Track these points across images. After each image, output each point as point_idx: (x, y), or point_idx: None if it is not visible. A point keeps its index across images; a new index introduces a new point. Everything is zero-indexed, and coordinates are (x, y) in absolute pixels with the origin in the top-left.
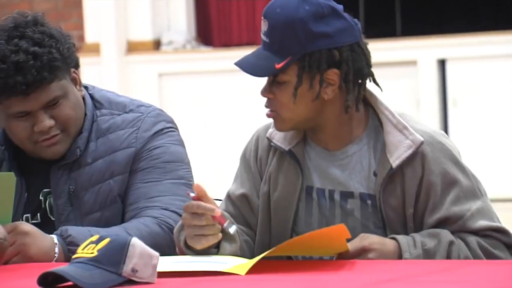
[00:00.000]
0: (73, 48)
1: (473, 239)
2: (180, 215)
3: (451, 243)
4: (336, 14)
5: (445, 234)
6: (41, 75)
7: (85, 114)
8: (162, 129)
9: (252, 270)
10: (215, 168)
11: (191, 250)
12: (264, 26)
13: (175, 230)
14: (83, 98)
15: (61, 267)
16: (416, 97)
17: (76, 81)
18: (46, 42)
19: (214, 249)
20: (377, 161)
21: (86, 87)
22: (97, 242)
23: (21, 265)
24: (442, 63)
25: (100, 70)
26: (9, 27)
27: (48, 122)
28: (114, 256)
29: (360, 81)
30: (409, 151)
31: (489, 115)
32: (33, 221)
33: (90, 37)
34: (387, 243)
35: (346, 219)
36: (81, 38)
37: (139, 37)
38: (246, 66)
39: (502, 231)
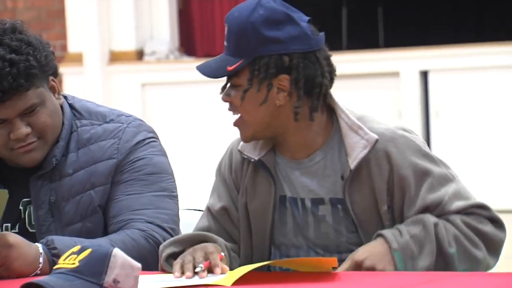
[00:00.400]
0: (52, 56)
1: (456, 217)
2: (164, 229)
3: (436, 225)
4: (291, 21)
5: (428, 217)
6: (17, 82)
7: (63, 123)
8: (143, 139)
9: (238, 282)
10: (198, 179)
11: (172, 268)
12: (225, 30)
13: (162, 245)
14: (61, 107)
15: (42, 278)
16: (399, 108)
17: (54, 89)
18: (23, 49)
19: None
20: (342, 164)
21: (65, 97)
22: (78, 252)
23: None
24: (424, 75)
25: (83, 80)
26: None
27: (25, 129)
28: (96, 266)
29: (314, 90)
30: (365, 151)
31: (472, 126)
32: (12, 231)
33: (73, 47)
34: (373, 244)
35: (319, 225)
36: (64, 48)
37: (122, 47)
38: (203, 68)
39: (482, 206)
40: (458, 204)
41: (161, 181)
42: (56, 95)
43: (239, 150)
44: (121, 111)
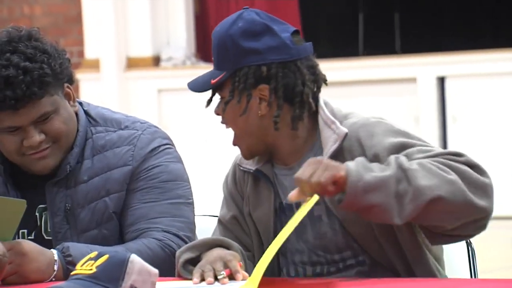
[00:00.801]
0: (68, 63)
1: (426, 160)
2: (180, 237)
3: (396, 157)
4: (269, 32)
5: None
6: (30, 90)
7: (78, 130)
8: (158, 146)
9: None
10: (215, 184)
11: (189, 273)
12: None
13: (178, 250)
14: (76, 114)
15: (59, 284)
16: (416, 114)
17: (69, 96)
18: (38, 57)
19: None
20: None
21: (80, 103)
22: (95, 258)
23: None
24: (441, 80)
25: (100, 86)
26: (2, 41)
27: (38, 137)
28: (113, 272)
29: (295, 98)
30: (335, 145)
31: (489, 131)
32: (28, 238)
33: (90, 53)
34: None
35: (316, 225)
36: (81, 54)
37: (138, 53)
38: (192, 83)
39: (456, 154)
40: (429, 153)
41: (177, 188)
42: (71, 102)
43: (238, 164)
44: (136, 117)
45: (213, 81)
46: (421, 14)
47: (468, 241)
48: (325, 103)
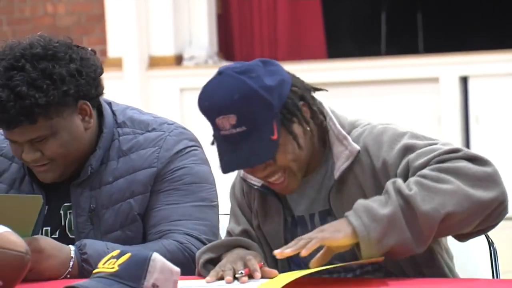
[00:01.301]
0: (92, 81)
1: (423, 170)
2: (202, 241)
3: (394, 182)
4: (267, 63)
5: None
6: (18, 118)
7: (101, 131)
8: (184, 148)
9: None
10: None
11: (209, 273)
12: (229, 121)
13: (198, 251)
14: (102, 115)
15: (81, 282)
16: (438, 114)
17: (86, 113)
18: (39, 82)
19: None
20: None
21: (109, 103)
22: (118, 257)
23: (46, 281)
24: (464, 80)
25: (122, 85)
26: (16, 55)
27: (33, 155)
28: (135, 271)
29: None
30: (348, 162)
31: None
32: (52, 236)
33: (112, 51)
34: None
35: None
36: (104, 52)
37: (161, 52)
38: (244, 163)
39: (453, 151)
40: (427, 157)
41: (201, 190)
42: (87, 117)
43: (242, 178)
44: (165, 118)
45: (274, 137)
46: (444, 13)
47: (490, 241)
48: (332, 112)
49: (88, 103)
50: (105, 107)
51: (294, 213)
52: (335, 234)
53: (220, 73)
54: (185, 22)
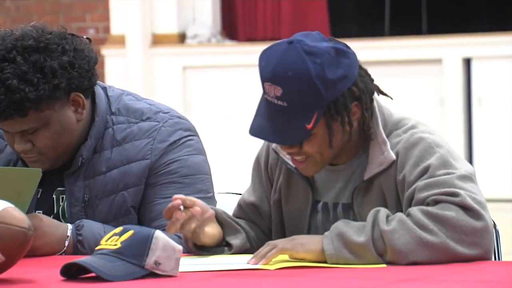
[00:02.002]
0: (85, 72)
1: (415, 210)
2: None
3: (375, 215)
4: (341, 53)
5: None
6: (7, 112)
7: (93, 120)
8: (179, 139)
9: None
10: (238, 162)
11: (203, 250)
12: (274, 91)
13: (183, 241)
14: (95, 102)
15: (84, 259)
16: (441, 95)
17: (78, 104)
18: (30, 76)
19: (225, 247)
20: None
21: (104, 88)
22: (120, 234)
23: (44, 257)
24: (467, 62)
25: (125, 62)
26: (8, 46)
27: (23, 146)
28: (137, 248)
29: (372, 99)
30: (379, 168)
31: None
32: None
33: (115, 28)
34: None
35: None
36: (107, 29)
37: (164, 30)
38: (271, 135)
39: (452, 194)
40: (427, 193)
41: (196, 182)
42: (80, 109)
43: (274, 150)
44: (160, 106)
45: (309, 126)
46: None
47: (493, 223)
48: (379, 108)
49: (81, 94)
50: (99, 94)
51: (319, 198)
52: (297, 247)
53: (291, 42)
54: (188, 0)
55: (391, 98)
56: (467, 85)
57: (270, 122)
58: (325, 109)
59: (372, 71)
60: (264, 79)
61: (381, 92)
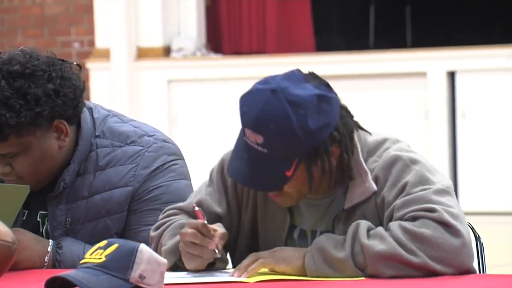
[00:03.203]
0: (70, 101)
1: (395, 225)
2: None
3: (357, 224)
4: (323, 99)
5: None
6: None
7: (77, 144)
8: (162, 165)
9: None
10: None
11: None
12: (255, 138)
13: (166, 251)
14: (80, 126)
15: (68, 272)
16: (425, 108)
17: (61, 131)
18: (12, 102)
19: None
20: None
21: (90, 109)
22: (105, 247)
23: (28, 271)
24: (451, 75)
25: (110, 76)
26: None
27: (2, 168)
28: (122, 262)
29: (352, 137)
30: (361, 198)
31: (498, 127)
32: None
33: (100, 42)
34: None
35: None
36: (92, 43)
37: (149, 43)
38: (250, 181)
39: (430, 210)
40: (405, 210)
41: None
42: (63, 136)
43: None
44: (145, 128)
45: (289, 173)
46: (432, 7)
47: (477, 235)
48: (358, 138)
49: (64, 122)
50: (85, 117)
51: (296, 223)
52: (279, 262)
53: (274, 90)
54: (173, 14)
55: (370, 134)
56: (452, 98)
57: (249, 166)
58: (306, 155)
59: (357, 84)
60: (245, 124)
61: (360, 128)
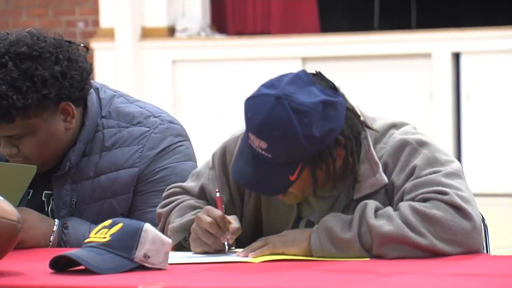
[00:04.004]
0: (76, 83)
1: (405, 205)
2: None
3: (365, 205)
4: (329, 105)
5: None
6: None
7: (83, 124)
8: (168, 146)
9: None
10: None
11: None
12: (259, 143)
13: (173, 229)
14: (86, 106)
15: (73, 251)
16: (430, 89)
17: (68, 113)
18: (19, 83)
19: None
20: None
21: (97, 89)
22: (109, 227)
23: (33, 250)
24: (456, 56)
25: (115, 56)
26: (0, 51)
27: (9, 150)
28: (127, 241)
29: (359, 139)
30: (371, 190)
31: (502, 108)
32: None
33: (105, 22)
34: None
35: None
36: (96, 23)
37: (153, 23)
38: (254, 185)
39: (441, 192)
40: (414, 193)
41: None
42: (69, 118)
43: None
44: (151, 109)
45: (292, 178)
46: None
47: (482, 217)
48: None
49: (71, 104)
50: (91, 98)
51: (302, 215)
52: (288, 246)
53: (279, 98)
54: None
55: (379, 135)
56: (456, 79)
57: (253, 169)
58: (310, 160)
59: (361, 65)
60: (249, 129)
61: (368, 127)
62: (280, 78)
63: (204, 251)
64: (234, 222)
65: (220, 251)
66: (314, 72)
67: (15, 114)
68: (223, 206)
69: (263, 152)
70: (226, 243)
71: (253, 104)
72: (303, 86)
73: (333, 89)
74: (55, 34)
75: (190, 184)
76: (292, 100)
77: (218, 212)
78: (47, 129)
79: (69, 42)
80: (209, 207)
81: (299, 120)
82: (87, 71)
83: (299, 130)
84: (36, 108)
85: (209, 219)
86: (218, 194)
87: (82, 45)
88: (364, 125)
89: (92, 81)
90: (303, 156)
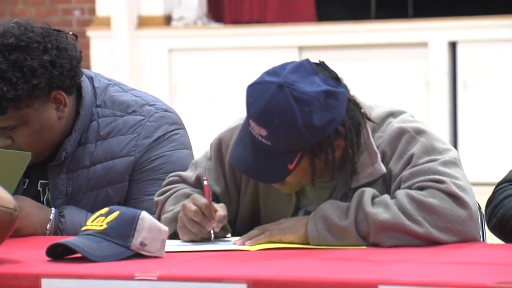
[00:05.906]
0: (67, 71)
1: (402, 193)
2: None
3: (362, 192)
4: (331, 95)
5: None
6: None
7: (79, 114)
8: (164, 134)
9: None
10: None
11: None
12: (259, 130)
13: (166, 220)
14: (81, 95)
15: (69, 239)
16: (426, 78)
17: (60, 102)
18: (8, 75)
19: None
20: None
21: (91, 78)
22: (106, 215)
23: (30, 238)
24: (453, 45)
25: (111, 44)
26: None
27: (3, 141)
28: (123, 229)
29: (359, 129)
30: (369, 179)
31: (499, 98)
32: None
33: (101, 10)
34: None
35: None
36: (92, 11)
37: (150, 12)
38: (252, 172)
39: (438, 181)
40: (411, 181)
41: None
42: (62, 107)
43: None
44: (146, 97)
45: (291, 166)
46: None
47: (478, 205)
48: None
49: (62, 92)
50: (86, 87)
51: (300, 205)
52: (285, 234)
53: (281, 85)
54: None
55: (377, 124)
56: (453, 68)
57: (252, 156)
58: (309, 149)
59: (358, 54)
60: (250, 116)
61: (368, 119)
62: (283, 66)
63: (191, 240)
64: (220, 210)
65: (217, 236)
66: (317, 61)
67: (6, 106)
68: (210, 194)
69: (263, 140)
70: (212, 231)
71: (255, 91)
72: (306, 75)
73: (336, 79)
74: (43, 23)
75: (188, 173)
76: (294, 88)
77: (203, 200)
78: (39, 119)
79: (58, 30)
80: (196, 195)
81: (300, 109)
82: (77, 59)
83: (300, 118)
84: (27, 99)
85: (194, 207)
86: (206, 182)
87: (70, 33)
88: (365, 117)
89: (86, 70)
90: (303, 145)
